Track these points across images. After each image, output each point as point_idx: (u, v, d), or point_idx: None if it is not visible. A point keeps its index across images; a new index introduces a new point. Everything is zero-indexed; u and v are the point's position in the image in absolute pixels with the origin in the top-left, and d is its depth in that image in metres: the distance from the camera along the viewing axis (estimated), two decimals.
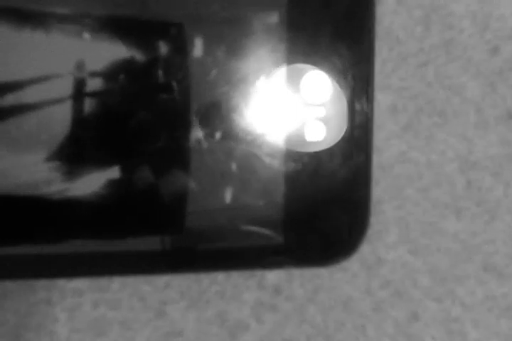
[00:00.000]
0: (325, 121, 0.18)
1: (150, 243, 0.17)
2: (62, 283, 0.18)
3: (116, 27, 0.16)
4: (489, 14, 0.20)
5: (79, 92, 0.16)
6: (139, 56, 0.16)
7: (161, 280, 0.19)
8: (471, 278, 0.20)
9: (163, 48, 0.16)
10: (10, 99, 0.16)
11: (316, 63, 0.17)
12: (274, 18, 0.17)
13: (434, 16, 0.20)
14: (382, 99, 0.20)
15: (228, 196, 0.17)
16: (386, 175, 0.20)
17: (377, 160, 0.19)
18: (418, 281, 0.20)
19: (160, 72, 0.16)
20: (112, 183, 0.17)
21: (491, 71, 0.20)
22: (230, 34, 0.17)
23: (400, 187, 0.20)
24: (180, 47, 0.16)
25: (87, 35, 0.16)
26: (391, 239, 0.20)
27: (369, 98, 0.18)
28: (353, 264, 0.19)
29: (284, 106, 0.18)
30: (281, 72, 0.17)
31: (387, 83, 0.20)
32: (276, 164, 0.17)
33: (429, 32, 0.20)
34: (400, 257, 0.20)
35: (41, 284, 0.18)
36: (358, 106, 0.18)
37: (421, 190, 0.20)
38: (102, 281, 0.18)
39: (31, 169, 0.16)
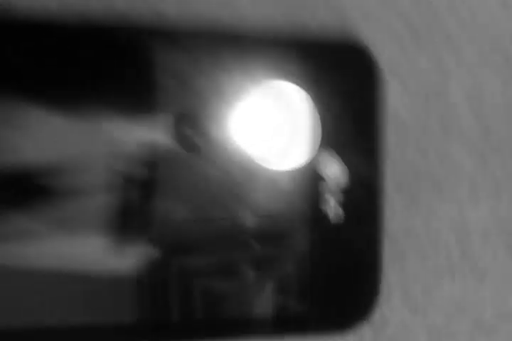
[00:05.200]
0: (345, 203, 0.20)
1: (173, 313, 0.19)
2: None
3: None
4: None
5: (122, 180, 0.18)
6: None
7: None
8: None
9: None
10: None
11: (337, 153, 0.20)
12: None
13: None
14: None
15: (253, 267, 0.19)
16: (389, 242, 0.22)
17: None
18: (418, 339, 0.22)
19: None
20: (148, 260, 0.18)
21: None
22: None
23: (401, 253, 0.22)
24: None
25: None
26: (394, 300, 0.22)
27: (379, 186, 0.20)
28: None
29: (307, 191, 0.20)
30: (306, 160, 0.20)
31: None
32: (303, 239, 0.19)
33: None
34: (401, 317, 0.22)
35: None
36: (370, 189, 0.20)
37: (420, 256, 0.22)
38: None
39: (76, 247, 0.18)
